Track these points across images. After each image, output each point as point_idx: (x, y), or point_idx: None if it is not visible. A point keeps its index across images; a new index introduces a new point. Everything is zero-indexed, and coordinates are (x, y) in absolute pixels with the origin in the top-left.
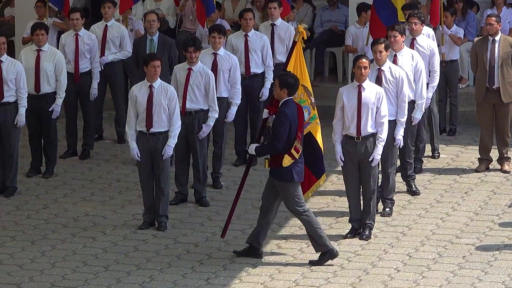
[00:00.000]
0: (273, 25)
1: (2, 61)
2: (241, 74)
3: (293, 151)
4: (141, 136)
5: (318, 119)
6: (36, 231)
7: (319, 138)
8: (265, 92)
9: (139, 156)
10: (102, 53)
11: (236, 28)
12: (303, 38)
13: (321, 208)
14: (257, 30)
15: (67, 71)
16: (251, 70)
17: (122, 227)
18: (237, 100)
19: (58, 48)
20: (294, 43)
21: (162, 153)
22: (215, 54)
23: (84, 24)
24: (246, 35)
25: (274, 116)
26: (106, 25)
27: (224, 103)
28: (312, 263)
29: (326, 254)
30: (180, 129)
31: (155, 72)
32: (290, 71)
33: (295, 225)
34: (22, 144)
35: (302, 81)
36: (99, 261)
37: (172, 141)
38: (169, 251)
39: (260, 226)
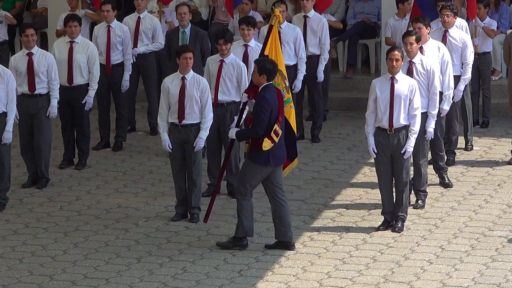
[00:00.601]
0: (305, 17)
1: (33, 53)
2: None
3: (272, 134)
4: (173, 128)
5: (292, 102)
6: (69, 223)
7: (292, 122)
8: (297, 84)
9: (171, 147)
10: (135, 45)
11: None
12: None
13: (354, 200)
14: (290, 22)
15: (99, 63)
16: (284, 62)
17: (154, 219)
18: None
19: (91, 40)
20: (271, 26)
21: (194, 145)
22: (246, 46)
23: (117, 16)
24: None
25: (253, 100)
26: (139, 17)
27: None
28: (217, 243)
29: (238, 241)
30: (212, 121)
31: (187, 64)
32: (268, 57)
33: (327, 217)
34: (55, 136)
35: (277, 65)
36: (131, 253)
37: (204, 133)
38: (201, 242)
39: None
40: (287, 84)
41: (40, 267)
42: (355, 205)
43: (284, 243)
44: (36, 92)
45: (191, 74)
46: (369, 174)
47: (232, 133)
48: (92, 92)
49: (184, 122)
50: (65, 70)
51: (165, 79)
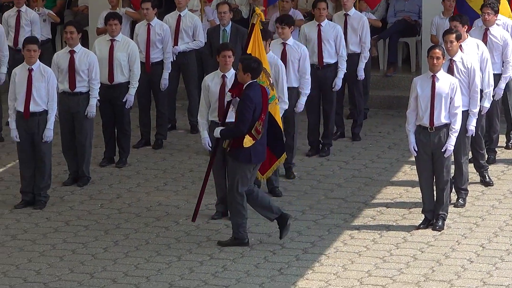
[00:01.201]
0: (346, 15)
1: (75, 51)
2: (314, 65)
3: (253, 131)
4: (213, 126)
5: (277, 99)
6: (109, 221)
7: (278, 118)
8: (338, 83)
9: (211, 146)
10: (175, 43)
11: (310, 18)
12: (260, 20)
13: (394, 198)
14: (331, 20)
15: (140, 61)
16: (324, 60)
17: None
18: (306, 90)
19: (132, 38)
20: (253, 25)
21: None
22: (284, 44)
23: (158, 14)
24: (319, 25)
25: (237, 99)
26: (180, 15)
27: (294, 93)
28: (220, 243)
29: (236, 240)
30: None
31: (226, 62)
32: (251, 55)
33: (368, 216)
34: (96, 134)
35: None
36: (171, 251)
37: None
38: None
39: (259, 209)
40: (272, 81)
41: (80, 265)
42: (396, 204)
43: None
44: (77, 90)
45: (231, 72)
46: (409, 172)
47: (217, 132)
48: (132, 90)
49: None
50: (106, 68)
51: (206, 77)
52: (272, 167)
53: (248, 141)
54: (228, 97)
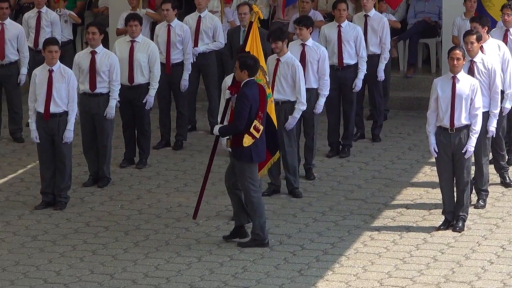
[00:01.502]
0: (366, 16)
1: (96, 52)
2: (334, 65)
3: (252, 130)
4: None
5: (272, 97)
6: (129, 222)
7: (273, 116)
8: (358, 84)
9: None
10: (196, 44)
11: (330, 19)
12: (259, 17)
13: (414, 199)
14: (351, 21)
15: (160, 62)
16: (344, 61)
17: (215, 218)
18: (325, 91)
19: (152, 39)
20: (251, 23)
21: None
22: (303, 45)
23: (178, 15)
24: (339, 26)
25: (236, 96)
26: (200, 16)
27: (313, 94)
28: (240, 244)
29: (255, 242)
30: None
31: None
32: (249, 53)
33: (388, 217)
34: (116, 135)
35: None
36: (192, 252)
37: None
38: None
39: (236, 205)
40: (268, 80)
41: (101, 266)
42: (416, 205)
43: (239, 229)
44: (97, 91)
45: None
46: (429, 173)
47: (216, 129)
48: (152, 92)
49: None
50: (126, 69)
51: (226, 78)
52: (267, 165)
53: (248, 141)
54: (227, 94)
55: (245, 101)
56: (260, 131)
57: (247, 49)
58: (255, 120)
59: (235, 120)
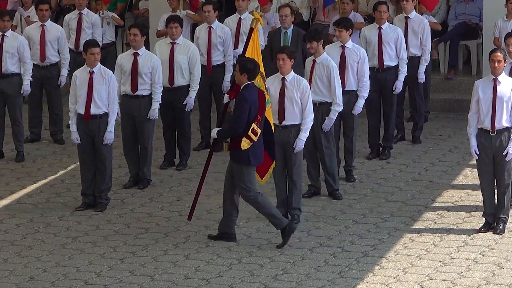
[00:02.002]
0: (407, 18)
1: (139, 53)
2: (374, 67)
3: (250, 133)
4: (274, 129)
5: (270, 104)
6: (170, 223)
7: (271, 122)
8: (398, 85)
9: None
10: (236, 46)
11: (370, 21)
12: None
13: (455, 202)
14: (391, 23)
15: (201, 64)
16: (384, 63)
17: (255, 220)
18: (364, 93)
19: (192, 41)
20: (251, 29)
21: (294, 146)
22: (343, 47)
23: (218, 17)
24: (379, 28)
25: (234, 100)
26: (240, 18)
27: (353, 96)
28: (279, 246)
29: (285, 230)
30: (312, 122)
31: (279, 65)
32: (249, 57)
33: (428, 219)
34: (156, 137)
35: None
36: (232, 253)
37: (304, 135)
38: (302, 244)
39: (228, 212)
40: (267, 86)
41: (141, 267)
42: (456, 207)
43: (226, 235)
44: (138, 93)
45: (291, 75)
46: (470, 175)
47: (214, 132)
48: (193, 93)
49: (284, 123)
50: (167, 71)
51: (266, 79)
52: (269, 171)
53: (245, 144)
54: (225, 99)
55: (245, 104)
56: (258, 135)
57: (247, 55)
58: (253, 124)
59: (234, 123)
